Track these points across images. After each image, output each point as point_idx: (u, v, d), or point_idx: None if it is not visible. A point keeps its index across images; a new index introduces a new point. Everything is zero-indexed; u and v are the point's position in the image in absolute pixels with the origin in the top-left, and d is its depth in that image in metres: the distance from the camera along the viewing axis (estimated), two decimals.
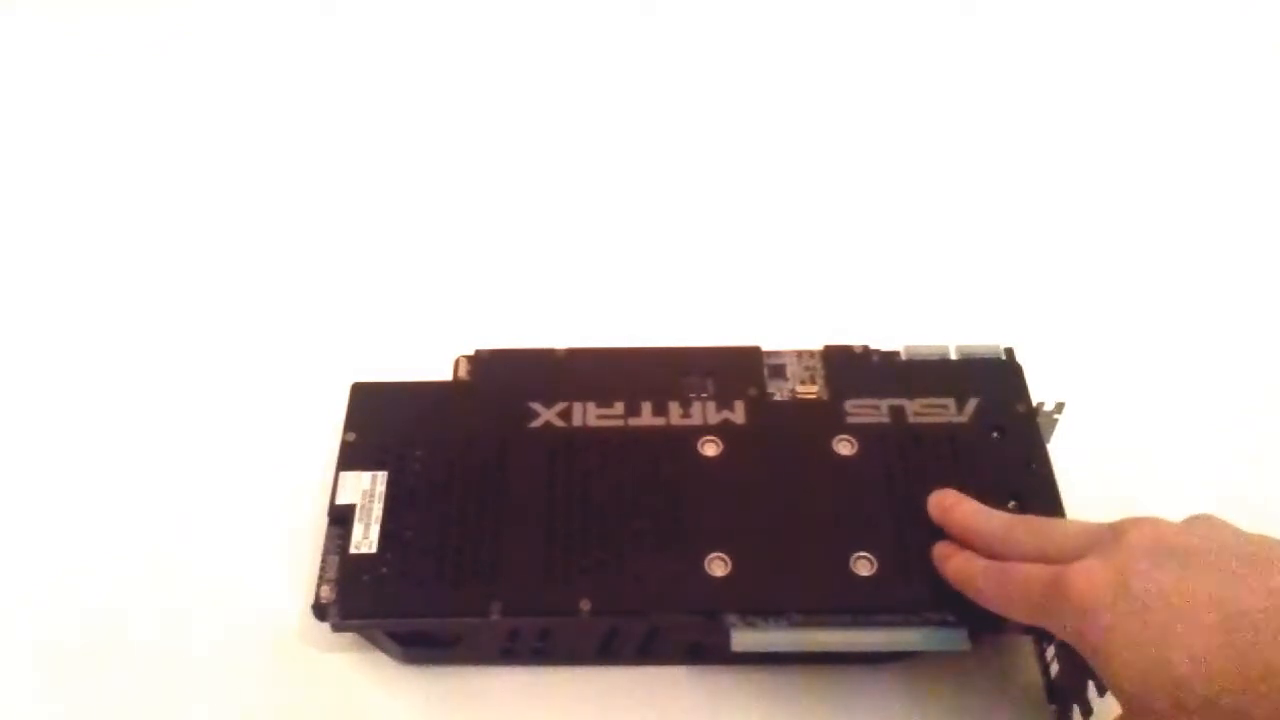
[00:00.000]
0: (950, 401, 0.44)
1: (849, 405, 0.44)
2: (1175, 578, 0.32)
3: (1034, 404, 0.44)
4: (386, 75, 0.65)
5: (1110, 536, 0.34)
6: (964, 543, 0.39)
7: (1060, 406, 0.44)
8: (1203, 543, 0.33)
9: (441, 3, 0.68)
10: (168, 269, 0.55)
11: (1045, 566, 0.34)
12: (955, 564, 0.38)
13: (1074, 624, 0.33)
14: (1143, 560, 0.32)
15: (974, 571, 0.37)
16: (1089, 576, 0.33)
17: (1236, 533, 0.33)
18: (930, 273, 0.55)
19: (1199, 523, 0.34)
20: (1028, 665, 0.41)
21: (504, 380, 0.45)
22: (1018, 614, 0.36)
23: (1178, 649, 0.30)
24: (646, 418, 0.44)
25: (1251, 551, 0.32)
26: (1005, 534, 0.38)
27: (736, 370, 0.45)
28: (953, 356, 0.46)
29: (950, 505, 0.40)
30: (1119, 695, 0.32)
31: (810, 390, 0.45)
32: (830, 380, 0.45)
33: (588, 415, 0.44)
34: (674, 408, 0.44)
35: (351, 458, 0.43)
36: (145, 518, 0.46)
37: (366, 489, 0.42)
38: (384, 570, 0.40)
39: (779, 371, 0.45)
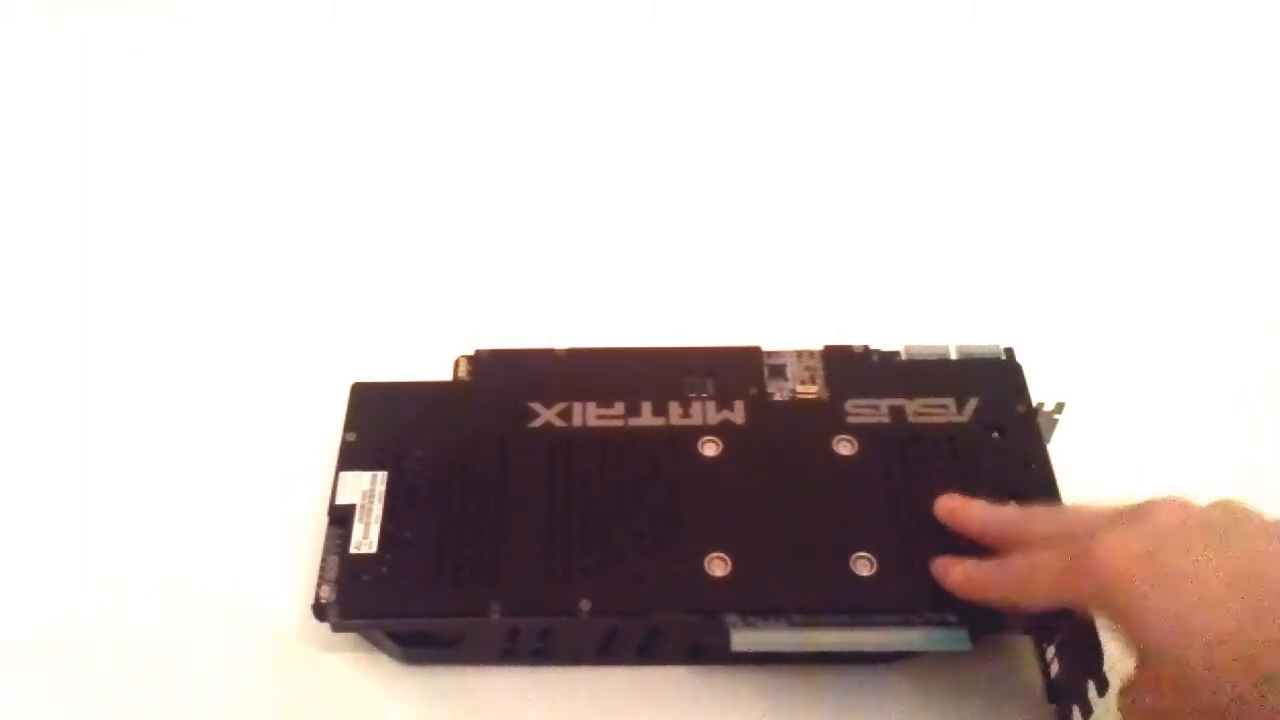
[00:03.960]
0: (950, 401, 0.44)
1: (849, 405, 0.44)
2: (1205, 551, 0.32)
3: (1034, 404, 0.44)
4: (387, 76, 0.65)
5: (1134, 514, 0.34)
6: (977, 539, 0.39)
7: (1060, 406, 0.44)
8: (1230, 521, 0.34)
9: (443, 3, 0.68)
10: (168, 269, 0.55)
11: (1060, 548, 0.35)
12: (960, 570, 0.38)
13: (1100, 593, 0.33)
14: (1172, 535, 0.33)
15: (983, 572, 0.37)
16: (1116, 547, 0.33)
17: (1260, 514, 0.34)
18: (930, 273, 0.55)
19: (1223, 504, 0.34)
20: (1028, 665, 0.42)
21: (504, 380, 0.45)
22: (1036, 599, 0.36)
23: (1209, 616, 0.31)
24: (646, 418, 0.44)
25: (1277, 530, 0.33)
26: (1019, 522, 0.38)
27: (736, 370, 0.45)
28: (953, 356, 0.46)
29: (958, 505, 0.40)
30: (1146, 654, 0.32)
31: (810, 390, 0.45)
32: (830, 380, 0.45)
33: (588, 415, 0.44)
34: (674, 408, 0.44)
35: (351, 458, 0.43)
36: (145, 518, 0.46)
37: (366, 489, 0.42)
38: (384, 570, 0.40)
39: (779, 371, 0.45)
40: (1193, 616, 0.31)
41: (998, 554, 0.38)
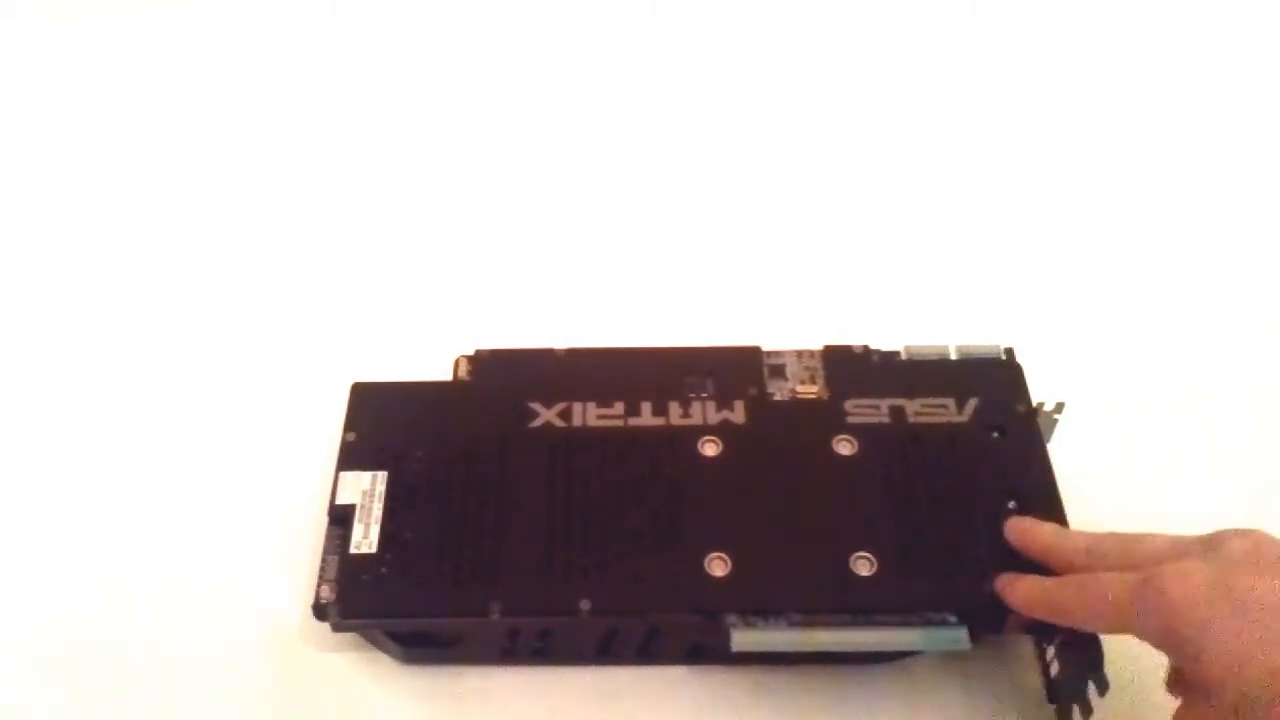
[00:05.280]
0: (950, 401, 0.44)
1: (849, 405, 0.44)
2: (1273, 582, 0.32)
3: (1034, 404, 0.44)
4: (387, 76, 0.65)
5: (1205, 545, 0.34)
6: (1044, 564, 0.39)
7: (1060, 406, 0.44)
8: None
9: (443, 4, 0.68)
10: (168, 269, 0.55)
11: (1130, 574, 0.34)
12: (1024, 585, 0.38)
13: (1165, 622, 0.33)
14: (1244, 565, 0.33)
15: (1048, 587, 0.37)
16: (1186, 576, 0.33)
17: None
18: (930, 273, 0.55)
19: None
20: (1028, 665, 0.42)
21: (504, 380, 0.45)
22: (1098, 622, 0.36)
23: (1273, 648, 0.31)
24: (646, 418, 0.44)
25: None
26: (1091, 547, 0.37)
27: (736, 370, 0.45)
28: (953, 356, 0.46)
29: (1028, 527, 0.40)
30: (1206, 686, 0.32)
31: (810, 390, 0.45)
32: (830, 380, 0.45)
33: (588, 415, 0.44)
34: (674, 408, 0.44)
35: (351, 458, 0.43)
36: (145, 518, 0.46)
37: (366, 489, 0.42)
38: (384, 570, 0.40)
39: (779, 371, 0.45)
40: (1256, 648, 0.31)
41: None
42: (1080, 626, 0.37)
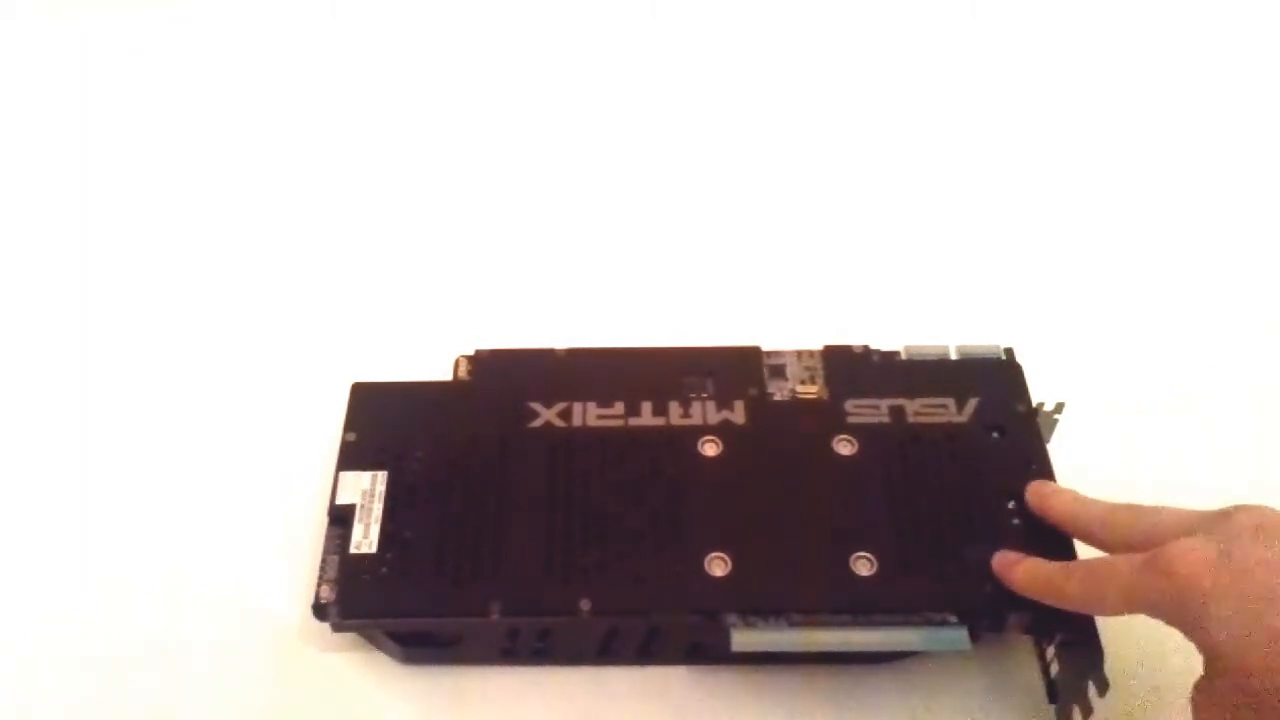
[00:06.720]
0: (950, 401, 0.44)
1: (849, 405, 0.44)
2: (1275, 553, 0.32)
3: (1034, 404, 0.44)
4: (387, 76, 0.65)
5: (1214, 519, 0.34)
6: (1061, 529, 0.39)
7: (1060, 406, 0.44)
8: None
9: (443, 4, 0.68)
10: (168, 269, 0.55)
11: (1135, 556, 0.35)
12: (1024, 569, 0.38)
13: (1170, 596, 0.33)
14: (1247, 537, 0.33)
15: (1051, 574, 0.37)
16: (1191, 551, 0.33)
17: None
18: (930, 273, 0.55)
19: None
20: (1028, 665, 0.42)
21: (504, 380, 0.45)
22: (1105, 605, 0.36)
23: (1272, 616, 0.31)
24: (646, 418, 0.44)
25: None
26: (1107, 518, 0.38)
27: (736, 370, 0.45)
28: (953, 356, 0.46)
29: (1049, 493, 0.40)
30: (1213, 653, 0.32)
31: (810, 390, 0.45)
32: (830, 380, 0.45)
33: (588, 415, 0.44)
34: (674, 408, 0.44)
35: (351, 458, 0.43)
36: (145, 518, 0.46)
37: (366, 489, 0.42)
38: (384, 570, 0.40)
39: (779, 371, 0.45)
40: (1256, 615, 0.31)
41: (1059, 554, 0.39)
42: (1084, 611, 0.37)
